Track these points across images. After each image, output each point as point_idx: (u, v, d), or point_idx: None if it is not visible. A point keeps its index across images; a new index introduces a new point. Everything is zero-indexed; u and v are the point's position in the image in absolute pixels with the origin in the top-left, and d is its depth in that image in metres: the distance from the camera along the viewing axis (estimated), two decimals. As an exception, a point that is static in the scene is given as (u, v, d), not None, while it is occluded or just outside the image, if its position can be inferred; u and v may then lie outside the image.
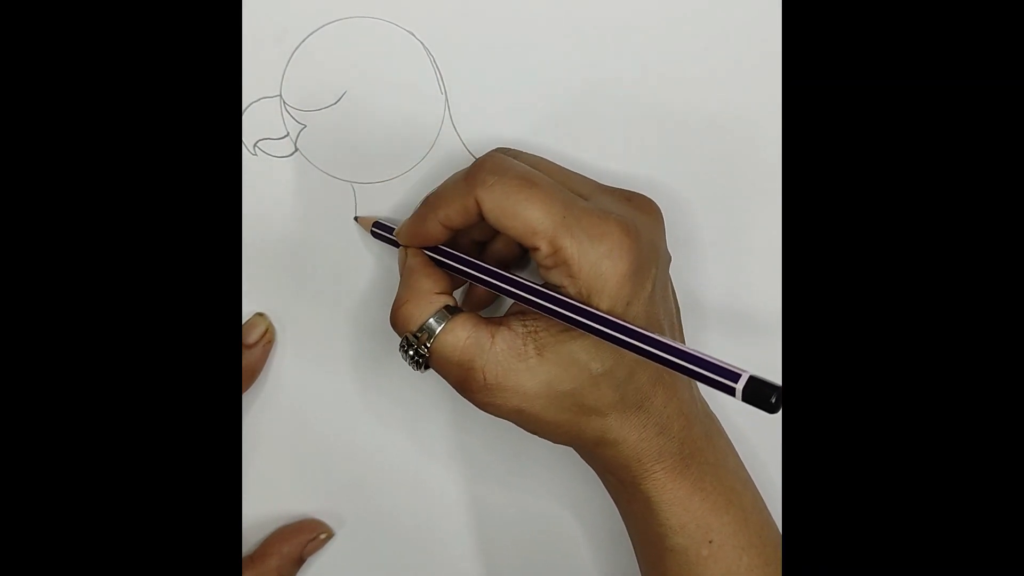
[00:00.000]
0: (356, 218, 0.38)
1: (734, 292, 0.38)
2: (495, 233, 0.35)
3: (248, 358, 0.37)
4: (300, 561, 0.39)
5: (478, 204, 0.31)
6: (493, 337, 0.31)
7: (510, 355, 0.31)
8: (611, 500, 0.38)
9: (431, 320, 0.32)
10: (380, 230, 0.36)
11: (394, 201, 0.38)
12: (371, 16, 0.36)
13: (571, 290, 0.30)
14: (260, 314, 0.38)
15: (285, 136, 0.37)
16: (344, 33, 0.36)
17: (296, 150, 0.37)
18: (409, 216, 0.34)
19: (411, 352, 0.32)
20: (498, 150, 0.35)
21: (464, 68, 0.37)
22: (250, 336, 0.37)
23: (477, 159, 0.32)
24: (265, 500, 0.39)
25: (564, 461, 0.39)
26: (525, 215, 0.30)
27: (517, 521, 0.40)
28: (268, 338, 0.38)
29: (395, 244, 0.35)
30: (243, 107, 0.36)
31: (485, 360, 0.31)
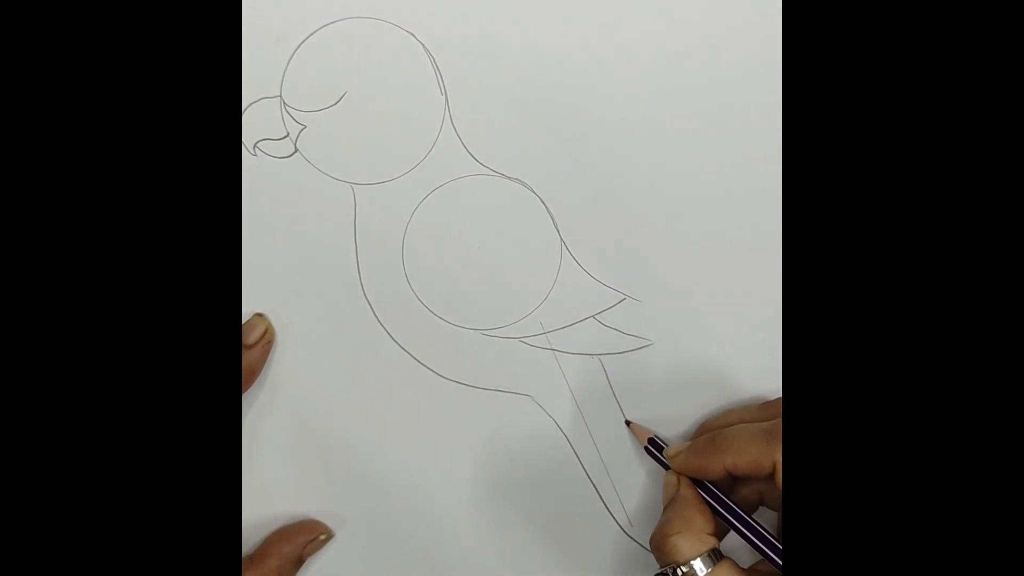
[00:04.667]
0: (628, 423, 0.39)
1: (734, 293, 0.38)
2: (747, 479, 0.36)
3: (248, 358, 0.37)
4: (300, 562, 0.39)
5: (774, 466, 0.32)
6: None
7: None
8: (609, 500, 0.38)
9: (699, 560, 0.33)
10: (653, 447, 0.38)
11: (394, 202, 0.38)
12: (371, 17, 0.36)
13: None
14: (260, 314, 0.38)
15: (285, 137, 0.37)
16: (344, 34, 0.36)
17: (296, 151, 0.37)
18: (688, 444, 0.36)
19: None
20: None
21: (464, 68, 0.37)
22: (250, 336, 0.37)
23: (779, 422, 0.33)
24: (265, 500, 0.39)
25: (563, 463, 0.39)
26: None
27: (517, 521, 0.40)
28: (268, 338, 0.38)
29: (664, 465, 0.37)
30: (243, 107, 0.36)
31: None
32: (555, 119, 0.37)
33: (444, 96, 0.37)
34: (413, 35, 0.37)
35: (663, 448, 0.37)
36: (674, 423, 0.39)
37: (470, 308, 0.38)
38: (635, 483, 0.39)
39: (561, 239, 0.38)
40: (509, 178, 0.38)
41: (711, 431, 0.36)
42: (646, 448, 0.38)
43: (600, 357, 0.39)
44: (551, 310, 0.39)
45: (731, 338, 0.38)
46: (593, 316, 0.39)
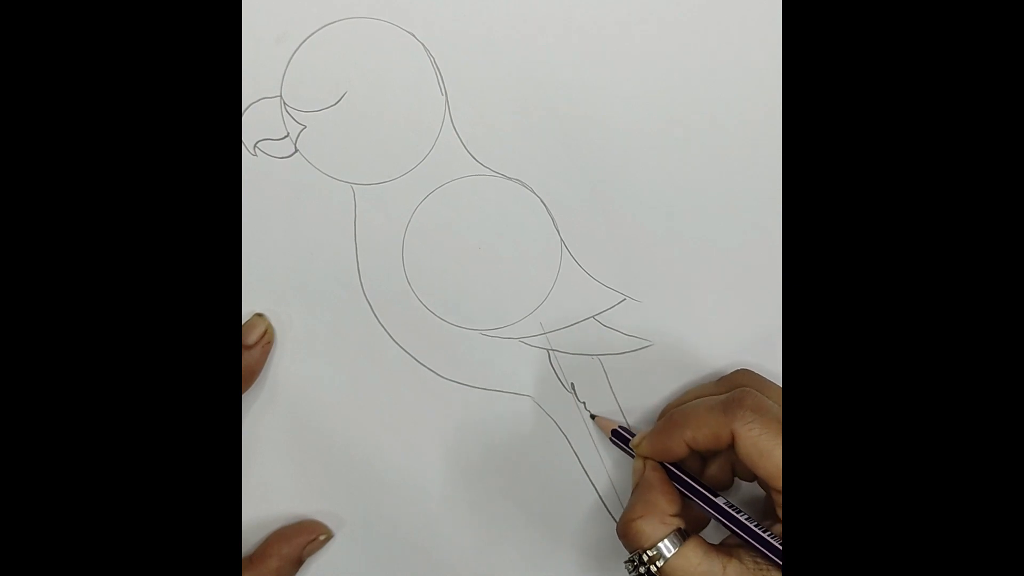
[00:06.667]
0: (593, 417, 0.39)
1: (734, 293, 0.38)
2: (715, 455, 0.36)
3: (248, 359, 0.37)
4: (299, 562, 0.39)
5: (733, 437, 0.32)
6: (724, 568, 0.32)
7: None
8: (609, 500, 0.38)
9: (664, 542, 0.33)
10: (618, 439, 0.38)
11: (394, 202, 0.38)
12: (371, 17, 0.36)
13: None
14: (260, 314, 0.38)
15: (285, 137, 0.37)
16: (344, 34, 0.36)
17: (296, 151, 0.37)
18: (651, 429, 0.36)
19: (641, 570, 0.33)
20: (745, 373, 0.36)
21: (464, 68, 0.37)
22: (250, 337, 0.37)
23: (735, 393, 0.33)
24: (265, 500, 0.39)
25: (564, 463, 0.39)
26: (780, 460, 0.31)
27: (517, 521, 0.40)
28: (268, 339, 0.38)
29: (630, 454, 0.37)
30: (243, 107, 0.36)
31: None
32: (555, 119, 0.37)
33: (444, 96, 0.37)
34: (413, 35, 0.37)
35: (629, 439, 0.37)
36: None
37: (470, 308, 0.39)
38: (635, 483, 0.39)
39: (561, 239, 0.38)
40: (509, 178, 0.38)
41: (671, 412, 0.36)
42: (611, 439, 0.38)
43: (600, 357, 0.39)
44: (551, 310, 0.39)
45: (731, 338, 0.38)
46: (593, 316, 0.39)
